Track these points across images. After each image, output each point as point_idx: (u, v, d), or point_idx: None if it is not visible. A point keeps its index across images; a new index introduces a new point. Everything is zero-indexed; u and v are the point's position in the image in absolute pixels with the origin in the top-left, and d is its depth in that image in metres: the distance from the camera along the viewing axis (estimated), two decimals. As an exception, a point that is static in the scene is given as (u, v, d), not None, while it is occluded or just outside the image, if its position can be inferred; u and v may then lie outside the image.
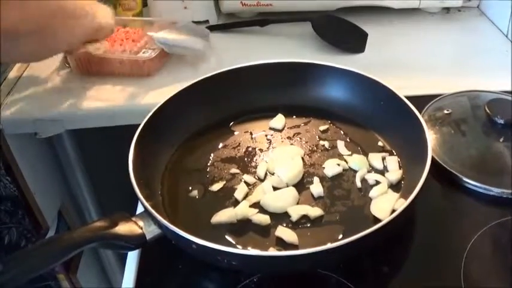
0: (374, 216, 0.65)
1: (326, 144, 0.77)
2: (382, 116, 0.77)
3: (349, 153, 0.76)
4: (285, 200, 0.68)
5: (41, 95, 0.97)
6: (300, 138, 0.79)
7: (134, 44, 1.00)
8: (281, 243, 0.63)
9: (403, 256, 0.66)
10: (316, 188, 0.70)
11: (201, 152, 0.78)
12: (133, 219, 0.62)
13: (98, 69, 0.99)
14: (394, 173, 0.71)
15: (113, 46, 0.99)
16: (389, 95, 0.76)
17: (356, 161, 0.73)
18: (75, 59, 0.99)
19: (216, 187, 0.72)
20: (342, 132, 0.80)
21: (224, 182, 0.72)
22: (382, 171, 0.72)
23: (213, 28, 1.13)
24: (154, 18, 1.11)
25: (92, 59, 0.98)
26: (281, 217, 0.67)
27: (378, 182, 0.70)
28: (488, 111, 0.79)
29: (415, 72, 0.98)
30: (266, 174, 0.73)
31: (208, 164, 0.76)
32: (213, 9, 1.15)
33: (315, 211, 0.66)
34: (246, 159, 0.76)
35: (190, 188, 0.72)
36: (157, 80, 0.99)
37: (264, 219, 0.66)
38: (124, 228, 0.60)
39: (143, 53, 0.98)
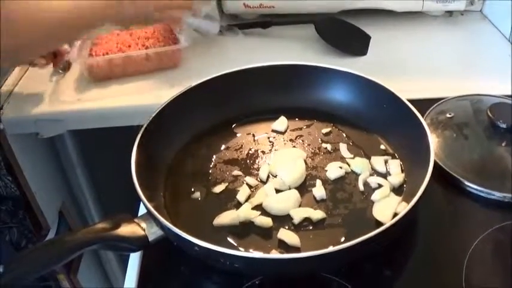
0: (376, 219, 0.65)
1: (328, 147, 0.77)
2: (384, 119, 0.77)
3: (352, 156, 0.76)
4: (287, 203, 0.68)
5: (42, 95, 0.97)
6: (303, 141, 0.79)
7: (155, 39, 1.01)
8: (283, 246, 0.63)
9: (405, 259, 0.66)
10: (319, 190, 0.70)
11: (203, 153, 0.78)
12: (136, 220, 0.62)
13: (121, 71, 0.99)
14: (397, 176, 0.71)
15: (129, 46, 0.99)
16: (392, 98, 0.76)
17: (358, 164, 0.73)
18: (90, 65, 0.97)
19: (218, 189, 0.72)
20: (345, 135, 0.80)
21: (226, 184, 0.72)
22: (385, 175, 0.72)
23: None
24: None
25: (114, 62, 0.97)
26: (283, 219, 0.67)
27: (380, 185, 0.70)
28: (490, 115, 0.79)
29: (418, 75, 0.98)
30: (268, 176, 0.73)
31: (211, 166, 0.76)
32: (216, 10, 1.15)
33: (317, 214, 0.66)
34: (248, 161, 0.76)
35: (192, 189, 0.72)
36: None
37: (266, 221, 0.66)
38: (126, 229, 0.60)
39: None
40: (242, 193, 0.70)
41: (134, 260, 0.66)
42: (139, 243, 0.61)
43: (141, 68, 1.00)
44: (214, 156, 0.77)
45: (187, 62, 1.03)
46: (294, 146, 0.79)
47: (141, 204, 0.67)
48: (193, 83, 0.80)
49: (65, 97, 0.97)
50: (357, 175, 0.72)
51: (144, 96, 0.95)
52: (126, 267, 0.66)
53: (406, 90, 0.77)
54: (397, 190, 0.70)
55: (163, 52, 0.99)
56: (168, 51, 0.99)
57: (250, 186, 0.72)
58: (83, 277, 1.16)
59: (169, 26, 1.05)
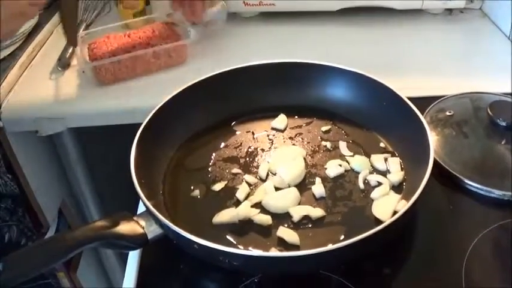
0: (376, 217, 0.65)
1: (328, 144, 0.77)
2: (384, 117, 0.77)
3: (351, 154, 0.76)
4: (287, 201, 0.68)
5: (42, 93, 0.97)
6: (302, 139, 0.79)
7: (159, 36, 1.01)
8: (282, 244, 0.63)
9: (405, 257, 0.66)
10: (318, 188, 0.70)
11: (202, 151, 0.78)
12: (135, 218, 0.62)
13: (129, 72, 0.98)
14: (396, 174, 0.71)
15: (134, 46, 0.99)
16: (392, 96, 0.75)
17: (358, 162, 0.73)
18: (98, 68, 0.95)
19: (217, 187, 0.72)
20: (344, 133, 0.80)
21: (226, 182, 0.72)
22: (384, 173, 0.72)
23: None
24: (154, 15, 1.11)
25: (122, 63, 0.96)
26: (283, 217, 0.67)
27: (379, 183, 0.70)
28: (490, 113, 0.79)
29: (418, 73, 0.97)
30: (268, 174, 0.73)
31: (210, 164, 0.75)
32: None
33: (316, 212, 0.66)
34: (247, 159, 0.76)
35: (192, 187, 0.72)
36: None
37: (266, 219, 0.66)
38: (125, 227, 0.60)
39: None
40: (241, 191, 0.70)
41: (133, 258, 0.66)
42: (138, 241, 0.61)
43: (150, 67, 1.00)
44: (213, 154, 0.77)
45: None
46: (294, 144, 0.78)
47: (140, 202, 0.67)
48: (193, 81, 0.80)
49: (64, 95, 0.96)
50: (357, 173, 0.72)
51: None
52: (126, 265, 0.66)
53: (405, 88, 0.77)
54: (396, 188, 0.70)
55: (171, 48, 0.99)
56: (177, 47, 1.00)
57: (249, 184, 0.71)
58: (82, 275, 1.16)
59: (168, 23, 1.05)
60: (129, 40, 0.99)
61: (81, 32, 1.03)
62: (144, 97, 0.94)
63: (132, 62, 0.97)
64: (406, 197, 0.65)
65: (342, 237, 0.64)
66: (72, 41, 0.91)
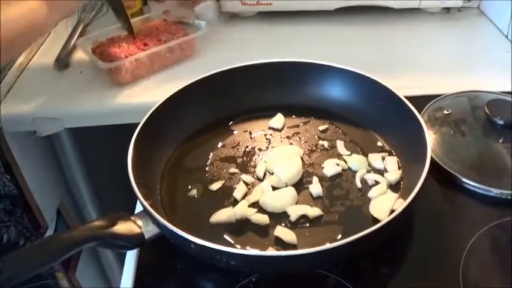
0: (373, 216, 0.65)
1: (325, 144, 0.77)
2: (381, 116, 0.77)
3: (349, 153, 0.76)
4: (284, 200, 0.68)
5: (40, 93, 0.97)
6: (299, 138, 0.79)
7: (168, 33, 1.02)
8: (280, 243, 0.63)
9: (402, 257, 0.66)
10: (315, 187, 0.70)
11: (200, 151, 0.78)
12: (132, 218, 0.62)
13: (147, 69, 0.99)
14: (394, 173, 0.71)
15: (146, 45, 0.99)
16: (389, 95, 0.75)
17: (355, 161, 0.73)
18: (119, 69, 0.95)
19: (215, 186, 0.72)
20: (341, 132, 0.80)
21: (223, 182, 0.72)
22: (382, 172, 0.72)
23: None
24: (151, 14, 1.11)
25: (141, 61, 0.96)
26: (280, 217, 0.67)
27: (377, 182, 0.70)
28: (488, 111, 0.79)
29: (415, 72, 0.98)
30: (265, 173, 0.73)
31: (208, 164, 0.76)
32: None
33: (314, 211, 0.66)
34: (245, 158, 0.76)
35: (189, 187, 0.72)
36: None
37: (263, 219, 0.66)
38: (123, 227, 0.60)
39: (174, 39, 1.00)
40: (239, 190, 0.70)
41: (131, 257, 0.66)
42: (135, 241, 0.61)
43: (166, 62, 1.01)
44: (211, 154, 0.77)
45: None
46: (291, 143, 0.79)
47: (138, 202, 0.67)
48: (191, 81, 0.80)
49: (62, 95, 0.96)
50: (354, 172, 0.72)
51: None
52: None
53: (403, 87, 0.77)
54: (394, 187, 0.70)
55: (184, 42, 1.00)
56: (189, 40, 1.01)
57: (246, 184, 0.71)
58: (81, 275, 1.16)
59: (166, 20, 1.05)
60: (137, 39, 0.99)
61: (82, 38, 1.03)
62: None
63: (150, 59, 0.98)
64: (404, 196, 0.65)
65: (339, 236, 0.64)
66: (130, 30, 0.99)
